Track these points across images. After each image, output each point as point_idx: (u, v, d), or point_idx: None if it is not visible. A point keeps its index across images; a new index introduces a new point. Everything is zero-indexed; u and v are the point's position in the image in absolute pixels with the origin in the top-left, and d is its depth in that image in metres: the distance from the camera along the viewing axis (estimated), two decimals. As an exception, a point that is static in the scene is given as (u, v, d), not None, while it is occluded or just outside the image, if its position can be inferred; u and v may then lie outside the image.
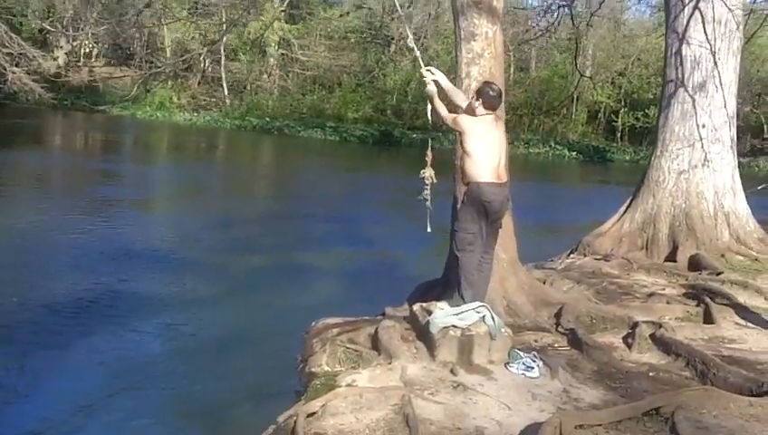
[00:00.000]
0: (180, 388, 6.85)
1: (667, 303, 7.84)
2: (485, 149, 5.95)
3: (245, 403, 6.28)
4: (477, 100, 6.07)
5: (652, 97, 36.58)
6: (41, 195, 16.52)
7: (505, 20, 22.96)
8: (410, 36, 6.85)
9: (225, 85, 43.61)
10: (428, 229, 6.40)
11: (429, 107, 6.39)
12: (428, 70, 6.43)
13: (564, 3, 14.92)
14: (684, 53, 10.45)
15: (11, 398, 6.35)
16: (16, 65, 32.66)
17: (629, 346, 6.39)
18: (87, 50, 51.29)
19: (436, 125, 6.50)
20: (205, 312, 8.84)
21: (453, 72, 7.39)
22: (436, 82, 6.39)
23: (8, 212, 13.76)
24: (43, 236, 12.04)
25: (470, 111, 6.15)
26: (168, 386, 6.86)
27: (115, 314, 8.60)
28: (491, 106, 6.06)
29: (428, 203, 6.43)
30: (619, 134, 41.20)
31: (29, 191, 16.95)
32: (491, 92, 6.05)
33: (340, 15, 42.34)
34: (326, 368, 5.87)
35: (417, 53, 6.97)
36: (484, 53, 7.05)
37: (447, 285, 7.05)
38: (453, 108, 6.40)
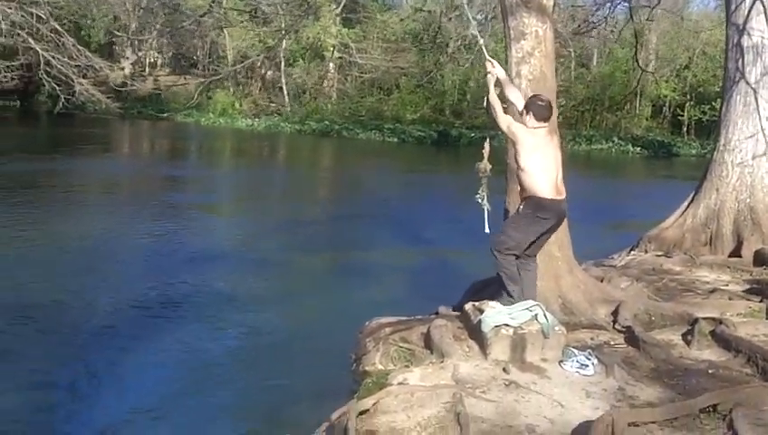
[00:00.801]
0: (241, 386, 6.99)
1: (729, 299, 7.67)
2: (541, 163, 5.86)
3: (302, 401, 6.35)
4: (528, 113, 5.99)
5: (718, 90, 35.72)
6: (112, 201, 16.99)
7: (564, 16, 22.76)
8: (474, 23, 6.72)
9: (285, 90, 44.12)
10: (486, 230, 6.35)
11: (486, 99, 6.27)
12: (490, 62, 6.40)
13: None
14: (745, 44, 10.19)
15: (83, 398, 6.55)
16: (84, 76, 33.67)
17: (689, 343, 6.27)
18: (152, 60, 52.53)
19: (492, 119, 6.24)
20: (266, 312, 9.00)
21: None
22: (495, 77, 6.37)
23: (81, 218, 14.19)
24: (116, 240, 12.42)
25: (522, 123, 6.05)
26: (230, 385, 7.01)
27: (181, 315, 8.87)
28: (542, 117, 5.96)
29: (485, 201, 6.40)
30: (685, 128, 40.40)
31: (101, 197, 17.45)
32: (540, 103, 5.98)
33: (401, 20, 42.31)
34: (379, 366, 5.91)
35: (481, 41, 6.89)
36: (535, 51, 7.00)
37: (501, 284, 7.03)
38: (510, 107, 6.36)
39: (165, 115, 43.04)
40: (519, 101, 6.33)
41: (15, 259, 10.74)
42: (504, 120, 6.06)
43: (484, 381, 5.31)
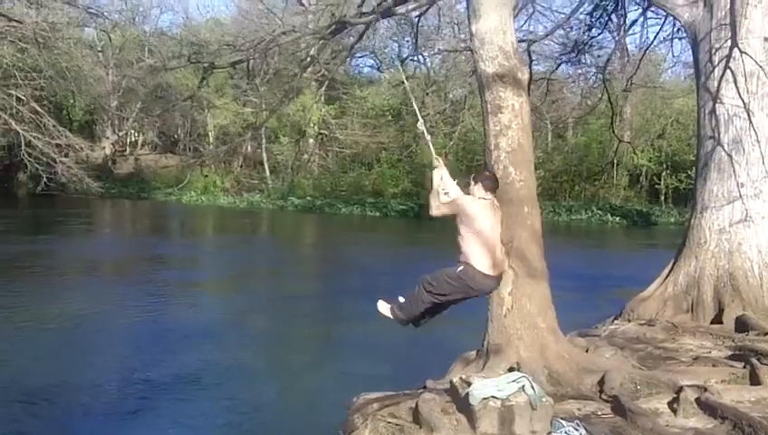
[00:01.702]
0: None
1: (713, 365, 7.71)
2: (483, 234, 6.12)
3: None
4: (476, 184, 6.32)
5: (693, 159, 36.36)
6: (102, 281, 17.00)
7: (538, 88, 23.26)
8: (421, 120, 7.08)
9: (266, 167, 44.47)
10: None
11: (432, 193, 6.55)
12: (436, 159, 6.63)
13: (599, 71, 15.08)
14: (718, 111, 10.42)
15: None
16: (65, 156, 33.93)
17: (675, 411, 6.29)
18: (132, 139, 52.93)
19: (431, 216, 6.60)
20: (259, 387, 9.05)
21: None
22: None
23: (67, 298, 14.12)
24: (108, 320, 12.45)
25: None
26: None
27: (179, 391, 8.87)
28: (489, 188, 6.31)
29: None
30: (662, 197, 40.87)
31: (88, 278, 17.39)
32: (486, 173, 6.52)
33: (390, 89, 42.83)
34: (368, 443, 5.88)
35: (428, 138, 7.07)
36: (512, 124, 7.18)
37: (487, 356, 7.06)
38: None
39: (146, 195, 43.21)
40: (458, 191, 6.55)
41: (8, 342, 10.68)
42: (449, 199, 6.38)
43: (473, 455, 5.30)
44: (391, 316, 6.62)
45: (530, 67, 11.52)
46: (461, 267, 6.16)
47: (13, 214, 31.16)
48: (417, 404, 6.09)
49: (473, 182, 6.35)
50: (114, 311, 13.22)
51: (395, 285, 15.94)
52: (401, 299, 6.61)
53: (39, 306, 13.16)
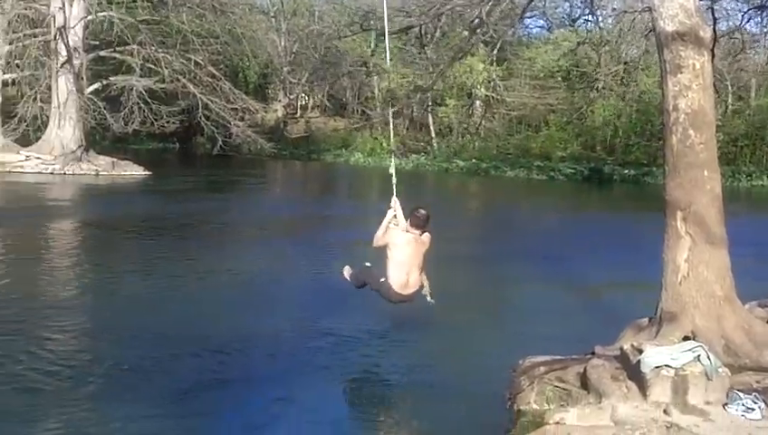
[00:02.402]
0: (396, 421, 7.09)
1: None
2: (400, 261, 7.78)
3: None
4: (407, 219, 7.96)
5: None
6: (272, 239, 17.43)
7: (719, 48, 22.01)
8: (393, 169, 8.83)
9: (432, 129, 44.65)
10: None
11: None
12: (395, 199, 8.18)
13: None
14: None
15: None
16: (241, 119, 35.50)
17: None
18: (303, 102, 54.60)
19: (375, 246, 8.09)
20: (426, 346, 9.04)
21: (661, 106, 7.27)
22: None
23: (242, 256, 14.66)
24: (276, 277, 12.78)
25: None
26: (389, 418, 7.13)
27: (352, 345, 9.00)
28: (415, 224, 7.88)
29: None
30: None
31: (261, 236, 17.94)
32: (417, 214, 7.91)
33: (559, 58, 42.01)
34: (534, 406, 5.91)
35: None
36: (692, 84, 6.87)
37: (660, 324, 6.88)
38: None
39: (315, 156, 44.57)
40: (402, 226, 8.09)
41: (193, 292, 11.33)
42: (382, 232, 8.01)
43: (643, 422, 5.21)
44: (348, 279, 8.54)
45: (714, 26, 10.91)
46: (382, 279, 7.86)
47: (192, 173, 32.84)
48: (585, 369, 6.04)
49: (407, 218, 7.96)
50: (285, 268, 13.58)
51: (557, 248, 15.78)
52: (352, 269, 8.55)
53: (218, 260, 13.79)
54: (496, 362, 7.65)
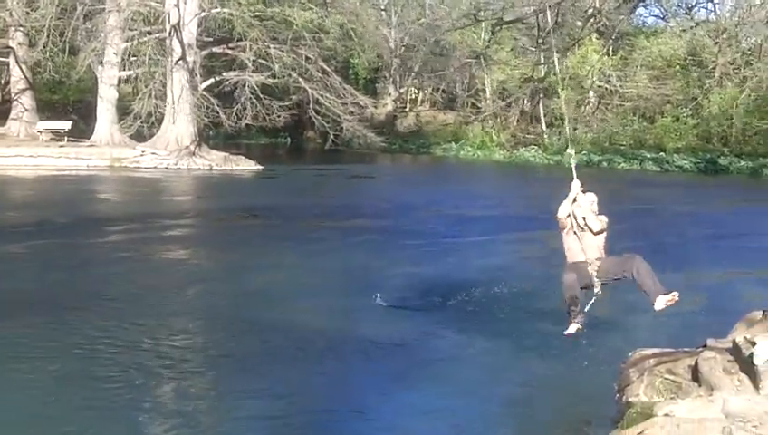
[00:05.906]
0: (504, 410, 7.15)
1: None
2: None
3: (564, 430, 6.44)
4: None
5: None
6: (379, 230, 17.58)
7: None
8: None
9: (542, 121, 44.10)
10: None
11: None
12: (577, 181, 8.56)
13: None
14: None
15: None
16: (350, 114, 35.97)
17: None
18: (413, 96, 54.89)
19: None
20: (528, 341, 9.04)
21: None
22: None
23: (378, 252, 14.63)
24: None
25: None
26: (495, 403, 7.20)
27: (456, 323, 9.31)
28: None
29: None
30: None
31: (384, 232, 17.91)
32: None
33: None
34: (643, 398, 5.89)
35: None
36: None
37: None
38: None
39: (425, 149, 44.76)
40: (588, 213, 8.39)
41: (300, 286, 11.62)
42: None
43: (756, 416, 5.12)
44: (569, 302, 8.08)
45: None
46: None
47: (306, 166, 33.39)
48: (696, 362, 5.97)
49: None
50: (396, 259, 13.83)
51: (673, 241, 15.34)
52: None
53: (339, 250, 14.21)
54: (607, 356, 7.63)
